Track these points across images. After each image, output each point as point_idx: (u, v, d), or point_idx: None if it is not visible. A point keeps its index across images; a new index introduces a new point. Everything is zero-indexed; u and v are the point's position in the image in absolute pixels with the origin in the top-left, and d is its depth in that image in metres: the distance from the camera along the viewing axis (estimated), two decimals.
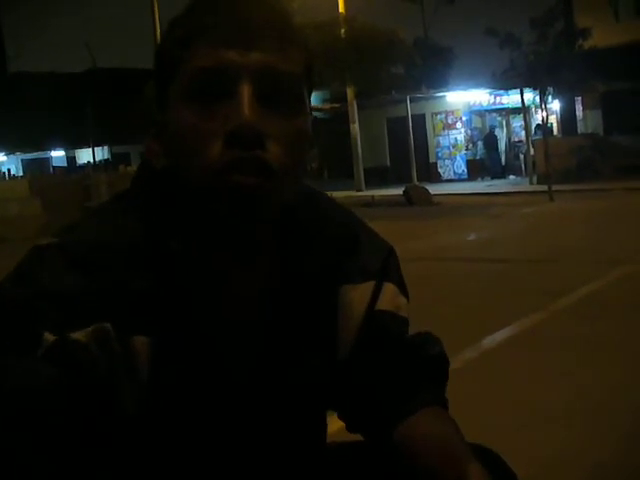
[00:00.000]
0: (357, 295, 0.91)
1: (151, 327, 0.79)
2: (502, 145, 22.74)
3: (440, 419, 0.89)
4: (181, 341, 0.80)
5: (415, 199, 15.04)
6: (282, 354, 0.87)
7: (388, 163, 24.05)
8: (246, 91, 0.76)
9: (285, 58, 0.78)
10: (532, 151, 18.84)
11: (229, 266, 0.84)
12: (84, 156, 32.90)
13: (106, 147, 32.10)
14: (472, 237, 9.20)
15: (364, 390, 0.92)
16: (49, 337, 0.72)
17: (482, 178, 21.86)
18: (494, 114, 22.83)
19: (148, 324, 0.78)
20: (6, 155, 33.95)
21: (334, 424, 1.01)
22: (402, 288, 0.96)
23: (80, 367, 0.72)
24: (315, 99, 23.74)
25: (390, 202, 15.59)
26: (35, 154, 34.39)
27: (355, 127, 20.34)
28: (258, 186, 0.76)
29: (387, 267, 0.94)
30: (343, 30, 15.60)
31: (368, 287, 0.92)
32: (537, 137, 19.09)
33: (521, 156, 21.58)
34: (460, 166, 22.85)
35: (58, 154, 35.41)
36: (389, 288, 0.93)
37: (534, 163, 18.43)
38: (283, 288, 0.87)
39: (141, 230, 0.81)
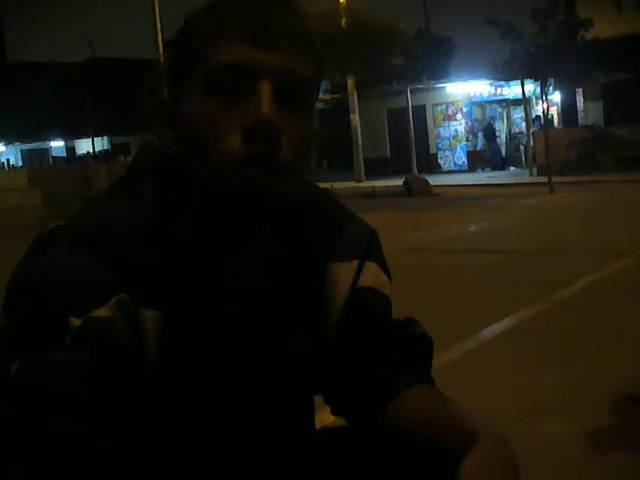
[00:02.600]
0: (342, 273, 0.95)
1: (158, 301, 0.81)
2: (502, 137, 22.71)
3: (431, 393, 0.91)
4: (186, 316, 0.83)
5: (415, 190, 15.04)
6: (277, 332, 0.90)
7: (388, 154, 24.02)
8: (266, 89, 0.79)
9: (303, 61, 0.82)
10: (532, 142, 18.82)
11: (231, 249, 0.87)
12: (84, 146, 32.88)
13: (106, 137, 32.08)
14: (472, 228, 9.20)
15: (349, 370, 0.94)
16: (75, 322, 0.75)
17: (482, 169, 21.85)
18: (495, 105, 22.78)
19: (156, 298, 0.81)
20: (5, 145, 33.93)
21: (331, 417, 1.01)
22: (384, 267, 1.00)
23: (109, 344, 0.76)
24: None
25: (390, 193, 15.59)
26: (34, 144, 34.37)
27: (355, 118, 20.30)
28: (270, 181, 0.79)
29: (370, 247, 0.98)
30: (344, 20, 15.57)
31: (352, 266, 0.96)
32: (536, 128, 19.07)
33: (521, 147, 21.57)
34: (460, 157, 22.83)
35: (57, 144, 35.39)
36: (371, 267, 0.97)
37: (534, 155, 18.41)
38: (280, 269, 0.91)
39: (145, 211, 0.83)
